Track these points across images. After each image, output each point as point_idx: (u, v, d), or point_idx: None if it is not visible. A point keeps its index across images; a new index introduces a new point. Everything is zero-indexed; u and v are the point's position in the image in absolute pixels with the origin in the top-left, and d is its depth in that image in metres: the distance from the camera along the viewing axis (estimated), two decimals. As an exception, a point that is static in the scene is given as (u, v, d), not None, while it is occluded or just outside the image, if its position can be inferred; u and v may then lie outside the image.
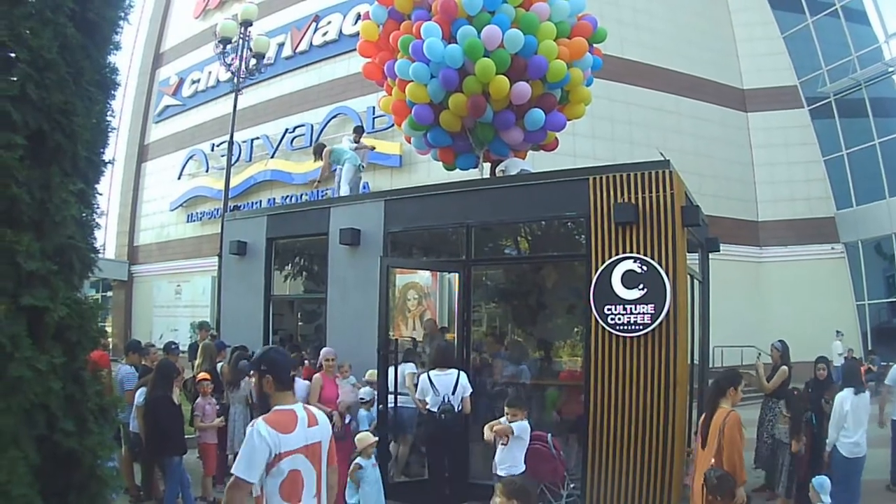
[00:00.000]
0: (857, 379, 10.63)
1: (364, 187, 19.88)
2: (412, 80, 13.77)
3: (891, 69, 32.26)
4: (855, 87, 33.71)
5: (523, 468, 8.92)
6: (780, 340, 12.95)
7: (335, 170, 17.03)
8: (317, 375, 11.37)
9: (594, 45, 14.52)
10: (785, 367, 12.43)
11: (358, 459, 8.99)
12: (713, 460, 7.36)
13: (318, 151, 17.54)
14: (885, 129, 32.76)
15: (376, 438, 9.43)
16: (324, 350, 11.84)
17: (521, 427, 8.84)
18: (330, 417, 7.99)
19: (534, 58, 12.99)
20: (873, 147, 32.91)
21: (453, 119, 13.83)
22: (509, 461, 8.85)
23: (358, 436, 9.41)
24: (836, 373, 18.10)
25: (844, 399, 9.94)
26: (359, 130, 17.46)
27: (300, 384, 12.14)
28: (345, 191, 16.41)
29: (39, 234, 4.04)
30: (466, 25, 13.01)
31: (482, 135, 14.01)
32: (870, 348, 30.82)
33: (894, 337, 31.77)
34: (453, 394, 10.02)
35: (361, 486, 8.91)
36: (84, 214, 4.40)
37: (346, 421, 11.16)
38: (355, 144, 16.78)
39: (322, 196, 18.61)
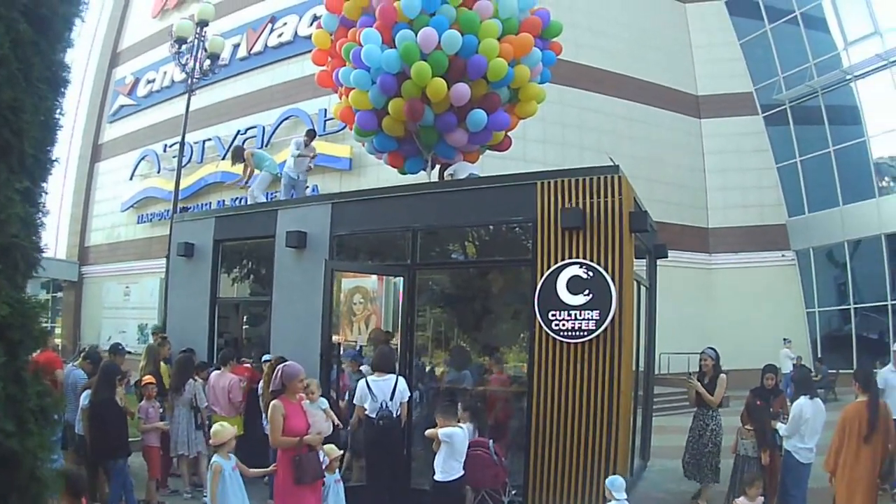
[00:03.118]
0: (810, 386, 10.63)
1: (313, 190, 19.83)
2: (354, 87, 13.83)
3: (849, 77, 32.46)
4: (811, 94, 33.93)
5: (460, 473, 8.85)
6: (710, 348, 12.40)
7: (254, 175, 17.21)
8: (276, 402, 8.19)
9: (549, 40, 14.46)
10: (723, 376, 12.05)
11: (218, 458, 8.21)
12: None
13: (238, 154, 17.68)
14: (841, 136, 33.02)
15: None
16: (286, 368, 8.51)
17: (451, 434, 8.76)
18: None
19: (473, 57, 12.97)
20: (828, 154, 33.15)
21: (395, 124, 13.88)
22: (445, 466, 8.79)
23: (219, 424, 8.89)
24: (785, 380, 18.16)
25: (804, 406, 9.90)
26: (311, 134, 17.32)
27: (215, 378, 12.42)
28: (260, 198, 16.69)
29: (-17, 232, 3.93)
30: (405, 29, 13.01)
31: (426, 138, 14.01)
32: (819, 356, 31.08)
33: (843, 345, 32.13)
34: (391, 399, 9.90)
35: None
36: (29, 213, 4.28)
37: (322, 459, 8.30)
38: (298, 151, 16.63)
39: (272, 198, 18.46)
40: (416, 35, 12.87)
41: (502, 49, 13.10)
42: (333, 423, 9.26)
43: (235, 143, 33.43)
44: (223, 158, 33.39)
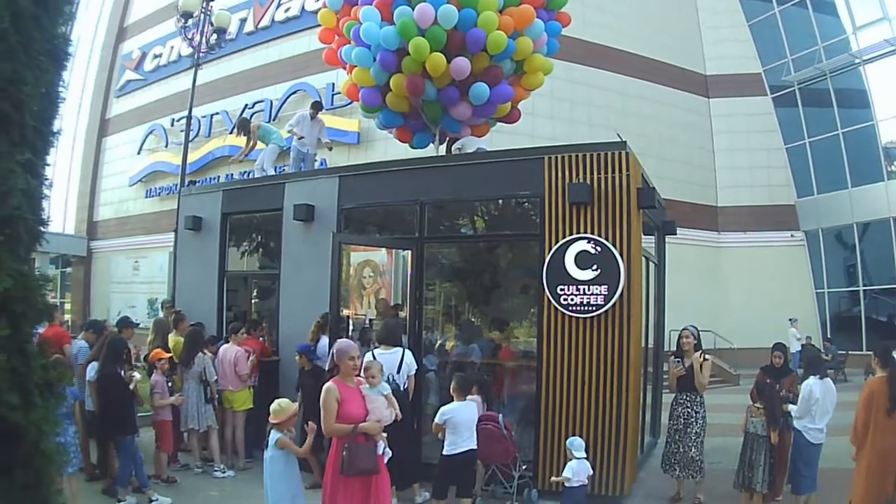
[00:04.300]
0: (821, 366, 10.56)
1: (321, 164, 19.79)
2: (357, 65, 13.85)
3: (858, 60, 32.39)
4: (820, 76, 33.87)
5: (467, 447, 8.92)
6: (692, 325, 11.40)
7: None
8: (329, 384, 7.40)
9: (555, 11, 14.35)
10: (709, 360, 11.23)
11: (279, 434, 7.93)
12: None
13: (244, 127, 17.65)
14: (849, 119, 33.03)
15: (295, 405, 8.48)
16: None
17: (446, 412, 8.95)
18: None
19: (471, 31, 12.82)
20: (836, 136, 33.14)
21: (398, 100, 13.82)
22: (449, 440, 8.94)
23: (279, 402, 8.23)
24: (794, 360, 18.16)
25: (814, 387, 9.83)
26: (316, 106, 17.31)
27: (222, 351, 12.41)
28: (269, 171, 16.92)
29: (-16, 204, 3.91)
30: (403, 5, 12.92)
31: (430, 113, 13.95)
32: (828, 336, 31.05)
33: (852, 326, 32.15)
34: (398, 372, 9.93)
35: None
36: (32, 185, 4.26)
37: (380, 451, 7.43)
38: (291, 127, 16.71)
39: (280, 171, 18.44)
40: (413, 10, 12.81)
41: (502, 21, 12.93)
42: (395, 413, 7.78)
43: (243, 116, 33.54)
44: (231, 132, 33.11)
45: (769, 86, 35.73)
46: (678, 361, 11.00)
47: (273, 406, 8.01)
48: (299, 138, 16.50)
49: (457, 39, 12.91)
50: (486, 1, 12.77)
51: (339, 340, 8.19)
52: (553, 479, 9.78)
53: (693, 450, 10.64)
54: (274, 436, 7.83)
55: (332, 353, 8.00)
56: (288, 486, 7.84)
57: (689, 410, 10.80)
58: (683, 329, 11.26)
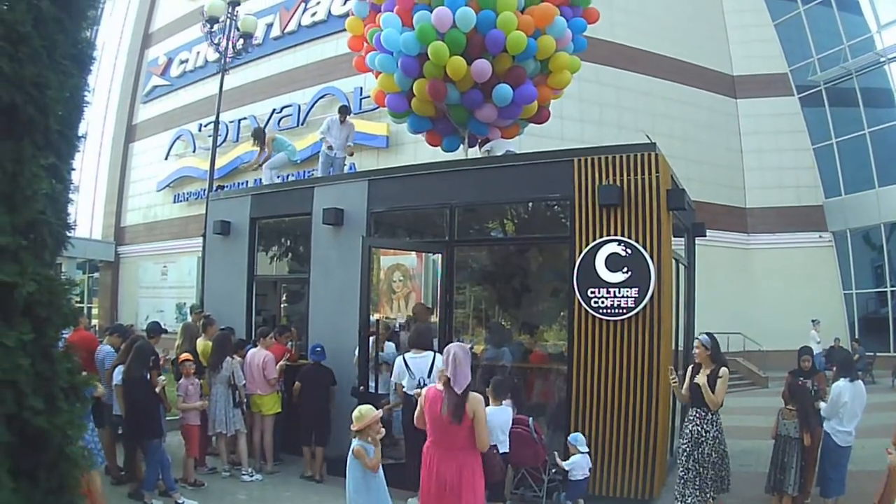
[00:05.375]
0: (852, 368, 10.52)
1: (350, 168, 19.87)
2: (381, 72, 13.91)
3: (882, 59, 32.27)
4: (846, 76, 33.74)
5: (504, 450, 8.84)
6: (706, 334, 9.92)
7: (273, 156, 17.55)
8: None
9: (581, 8, 14.30)
10: (726, 370, 9.45)
11: (358, 443, 7.52)
12: None
13: (259, 136, 17.81)
14: (876, 118, 32.86)
15: (380, 412, 8.01)
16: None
17: (493, 412, 8.58)
18: None
19: (490, 32, 12.77)
20: (863, 136, 32.99)
21: (424, 105, 13.80)
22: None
23: (360, 408, 7.84)
24: (816, 361, 18.08)
25: (843, 389, 9.80)
26: (344, 110, 17.40)
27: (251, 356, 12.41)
28: (266, 175, 17.34)
29: (10, 209, 3.95)
30: (422, 10, 12.91)
31: (456, 116, 13.93)
32: (855, 337, 30.87)
33: (880, 327, 31.96)
34: (429, 376, 9.96)
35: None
36: (57, 190, 4.29)
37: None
38: (322, 135, 16.91)
39: (309, 176, 18.50)
40: (432, 15, 12.80)
41: (523, 21, 12.86)
42: None
43: (271, 121, 33.67)
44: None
45: (795, 86, 35.60)
46: (673, 370, 9.85)
47: (354, 412, 7.74)
48: (328, 147, 16.61)
49: (477, 41, 12.88)
50: (505, 1, 12.76)
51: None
52: (557, 462, 9.98)
53: (711, 471, 9.32)
54: (354, 443, 7.52)
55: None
56: (367, 498, 7.46)
57: (699, 429, 9.41)
58: (697, 339, 9.99)
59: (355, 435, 7.55)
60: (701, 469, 9.31)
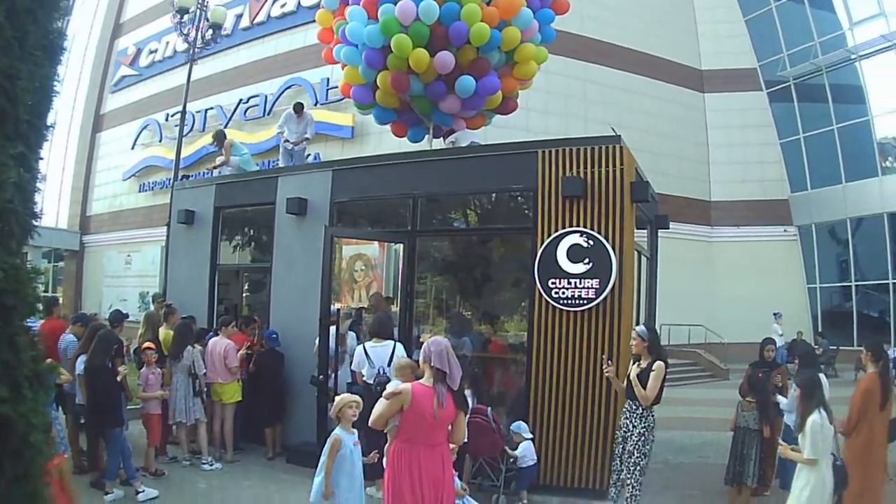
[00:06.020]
0: (815, 362, 10.58)
1: (315, 158, 19.83)
2: (346, 64, 13.98)
3: (854, 56, 32.50)
4: (815, 72, 34.01)
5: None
6: (643, 325, 9.80)
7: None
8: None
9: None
10: (661, 363, 8.93)
11: (337, 432, 7.63)
12: None
13: (219, 138, 17.61)
14: (845, 114, 33.15)
15: (347, 396, 8.03)
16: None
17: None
18: None
19: (454, 24, 12.77)
20: (831, 132, 33.29)
21: (388, 97, 13.81)
22: None
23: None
24: (778, 354, 18.20)
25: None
26: (297, 108, 17.37)
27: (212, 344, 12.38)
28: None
29: (-24, 197, 3.90)
30: (387, 3, 12.88)
31: (420, 107, 13.94)
32: (819, 331, 31.11)
33: (844, 321, 32.27)
34: (389, 366, 9.92)
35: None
36: (24, 179, 4.26)
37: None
38: (279, 130, 17.05)
39: (273, 166, 18.45)
40: (395, 8, 12.79)
41: (487, 13, 12.85)
42: None
43: (237, 112, 33.54)
44: (225, 127, 33.26)
45: (764, 81, 35.82)
46: (608, 361, 9.26)
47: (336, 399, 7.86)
48: (286, 141, 16.68)
49: (440, 33, 12.87)
50: (470, -8, 12.74)
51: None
52: (509, 452, 10.05)
53: (625, 471, 8.92)
54: (336, 431, 7.60)
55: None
56: (350, 483, 7.50)
57: (629, 423, 9.05)
58: (635, 331, 9.37)
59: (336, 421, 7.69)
60: (622, 465, 9.01)
